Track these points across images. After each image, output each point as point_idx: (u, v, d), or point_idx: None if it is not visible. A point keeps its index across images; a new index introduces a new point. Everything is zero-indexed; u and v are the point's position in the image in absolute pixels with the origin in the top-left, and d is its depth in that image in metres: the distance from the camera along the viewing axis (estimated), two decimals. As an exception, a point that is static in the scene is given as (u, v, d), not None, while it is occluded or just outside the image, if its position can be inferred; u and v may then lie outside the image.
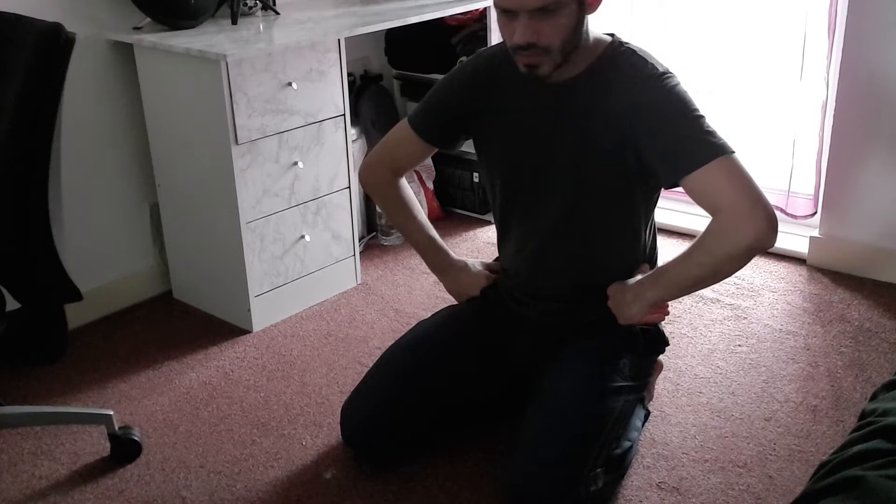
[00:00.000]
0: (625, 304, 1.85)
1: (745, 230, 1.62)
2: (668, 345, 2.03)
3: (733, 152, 1.67)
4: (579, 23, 1.70)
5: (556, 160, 1.83)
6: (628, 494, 1.87)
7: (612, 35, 1.82)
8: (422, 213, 2.11)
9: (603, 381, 1.84)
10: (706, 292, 2.69)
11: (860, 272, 2.78)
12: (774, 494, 1.87)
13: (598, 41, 1.79)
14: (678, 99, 1.71)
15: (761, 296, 2.70)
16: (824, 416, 2.12)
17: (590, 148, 1.79)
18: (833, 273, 2.81)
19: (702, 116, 1.70)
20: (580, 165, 1.81)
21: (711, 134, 1.68)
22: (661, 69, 1.75)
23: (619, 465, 1.85)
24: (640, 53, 1.78)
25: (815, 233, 2.86)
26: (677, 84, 1.73)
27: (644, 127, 1.72)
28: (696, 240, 1.72)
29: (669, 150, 1.70)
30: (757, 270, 2.84)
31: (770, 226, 1.62)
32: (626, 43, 1.80)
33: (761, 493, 1.87)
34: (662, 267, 1.83)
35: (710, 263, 1.69)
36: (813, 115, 2.84)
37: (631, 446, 1.89)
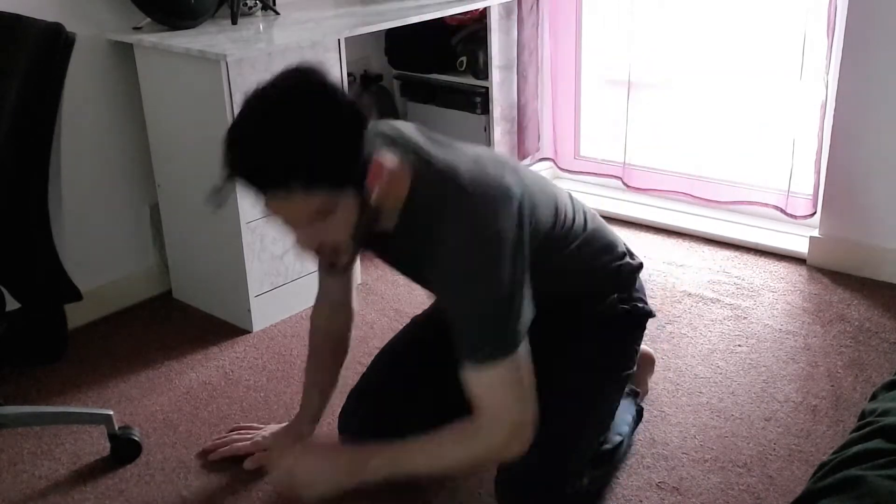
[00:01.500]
0: (327, 470, 1.67)
1: (496, 443, 1.57)
2: (652, 316, 1.95)
3: (519, 351, 1.54)
4: (363, 206, 1.49)
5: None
6: (628, 494, 1.87)
7: (405, 141, 1.66)
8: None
9: (585, 376, 1.83)
10: (706, 292, 2.69)
11: (860, 272, 2.78)
12: (774, 494, 1.87)
13: (396, 175, 1.54)
14: (487, 277, 1.53)
15: (761, 296, 2.70)
16: (824, 416, 2.12)
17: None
18: (833, 273, 2.81)
19: (505, 300, 1.53)
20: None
21: (505, 328, 1.53)
22: (487, 232, 1.52)
23: (608, 461, 1.85)
24: (465, 197, 1.54)
25: (815, 233, 2.86)
26: (496, 254, 1.52)
27: (451, 292, 1.59)
28: (443, 429, 1.60)
29: (461, 328, 1.56)
30: (757, 270, 2.84)
31: (521, 447, 1.58)
32: (435, 163, 1.59)
33: (761, 493, 1.87)
34: (395, 445, 1.66)
35: (443, 455, 1.62)
36: (813, 115, 2.84)
37: (621, 441, 1.89)
